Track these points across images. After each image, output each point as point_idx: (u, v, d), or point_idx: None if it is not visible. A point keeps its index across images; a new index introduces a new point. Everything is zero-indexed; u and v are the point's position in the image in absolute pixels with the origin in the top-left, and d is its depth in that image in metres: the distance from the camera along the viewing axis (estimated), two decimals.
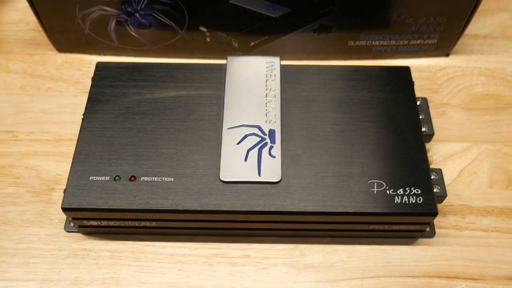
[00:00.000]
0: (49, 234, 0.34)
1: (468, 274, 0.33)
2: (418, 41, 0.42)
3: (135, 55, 0.44)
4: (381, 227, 0.33)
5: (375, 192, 0.32)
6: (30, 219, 0.35)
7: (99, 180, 0.32)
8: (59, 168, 0.37)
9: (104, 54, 0.44)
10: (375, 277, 0.33)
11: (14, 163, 0.37)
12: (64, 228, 0.34)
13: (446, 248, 0.34)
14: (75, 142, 0.34)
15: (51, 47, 0.44)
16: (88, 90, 0.36)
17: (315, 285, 0.33)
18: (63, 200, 0.31)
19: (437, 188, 0.33)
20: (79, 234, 0.35)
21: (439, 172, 0.34)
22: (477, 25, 0.45)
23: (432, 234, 0.34)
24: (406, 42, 0.42)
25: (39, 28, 0.42)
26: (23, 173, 0.37)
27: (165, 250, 0.34)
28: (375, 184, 0.32)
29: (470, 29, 0.43)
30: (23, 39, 0.45)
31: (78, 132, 0.34)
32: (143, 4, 0.39)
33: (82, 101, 0.40)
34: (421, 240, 0.34)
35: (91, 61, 0.43)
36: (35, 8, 0.40)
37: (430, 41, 0.42)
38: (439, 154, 0.38)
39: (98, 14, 0.40)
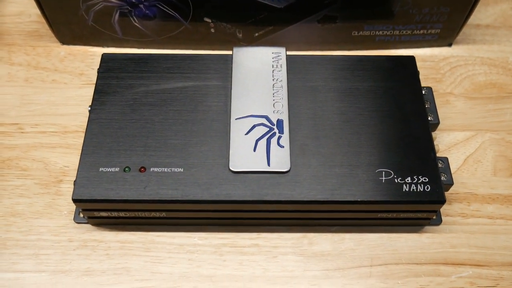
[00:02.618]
0: (58, 225, 0.35)
1: (474, 261, 0.34)
2: (421, 31, 0.42)
3: (139, 47, 0.44)
4: (389, 215, 0.33)
5: (383, 181, 0.32)
6: (39, 210, 0.35)
7: (109, 171, 0.32)
8: (66, 159, 0.37)
9: (108, 45, 0.44)
10: (383, 265, 0.34)
11: (21, 155, 0.37)
12: (74, 220, 0.34)
13: (452, 236, 0.35)
14: (81, 134, 0.34)
15: (54, 39, 0.43)
16: (92, 81, 0.36)
17: (324, 273, 0.33)
18: (73, 192, 0.31)
19: (444, 176, 0.33)
20: (89, 225, 0.35)
21: (445, 160, 0.34)
22: (479, 15, 0.45)
23: (438, 222, 0.35)
24: (409, 32, 0.42)
25: (42, 20, 0.42)
26: (30, 165, 0.37)
27: (175, 240, 0.34)
28: (383, 173, 0.32)
29: (472, 19, 0.44)
30: (25, 31, 0.44)
31: (84, 123, 0.34)
32: None
33: (87, 92, 0.40)
34: (427, 227, 0.35)
35: (94, 52, 0.43)
36: (39, 0, 0.39)
37: (433, 31, 0.42)
38: (444, 143, 0.39)
39: (102, 6, 0.40)
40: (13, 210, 0.35)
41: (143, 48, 0.44)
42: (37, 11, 0.41)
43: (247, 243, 0.34)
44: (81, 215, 0.34)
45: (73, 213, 0.35)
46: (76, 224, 0.35)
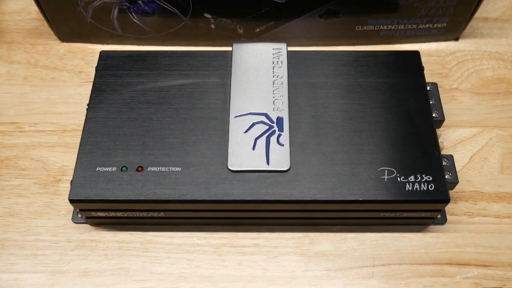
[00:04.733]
0: (57, 225, 0.34)
1: (480, 261, 0.33)
2: (427, 25, 0.41)
3: (139, 43, 0.43)
4: (392, 214, 0.32)
5: (385, 180, 0.31)
6: (37, 211, 0.35)
7: (106, 171, 0.32)
8: (65, 159, 0.37)
9: (107, 42, 0.43)
10: (386, 265, 0.33)
11: (19, 155, 0.37)
12: (72, 220, 0.34)
13: (457, 235, 0.34)
14: (80, 133, 0.34)
15: (54, 36, 0.43)
16: (91, 79, 0.36)
17: (325, 273, 0.33)
18: (70, 192, 0.31)
19: (449, 174, 0.32)
20: (87, 225, 0.34)
21: (450, 158, 0.33)
22: (487, 7, 0.44)
23: (443, 221, 0.34)
24: (414, 26, 0.41)
25: (41, 17, 0.42)
26: (29, 165, 0.37)
27: (174, 240, 0.34)
28: (386, 171, 0.31)
29: (480, 12, 0.43)
30: (25, 28, 0.44)
31: (83, 122, 0.34)
32: None
33: (86, 90, 0.40)
34: (432, 227, 0.34)
35: (94, 50, 0.43)
36: None
37: (439, 25, 0.41)
38: (450, 140, 0.38)
39: (100, 2, 0.39)
40: (11, 210, 0.35)
41: (143, 44, 0.43)
42: (37, 8, 0.40)
43: (247, 243, 0.34)
44: (79, 215, 0.34)
45: (72, 213, 0.34)
46: (74, 224, 0.34)
